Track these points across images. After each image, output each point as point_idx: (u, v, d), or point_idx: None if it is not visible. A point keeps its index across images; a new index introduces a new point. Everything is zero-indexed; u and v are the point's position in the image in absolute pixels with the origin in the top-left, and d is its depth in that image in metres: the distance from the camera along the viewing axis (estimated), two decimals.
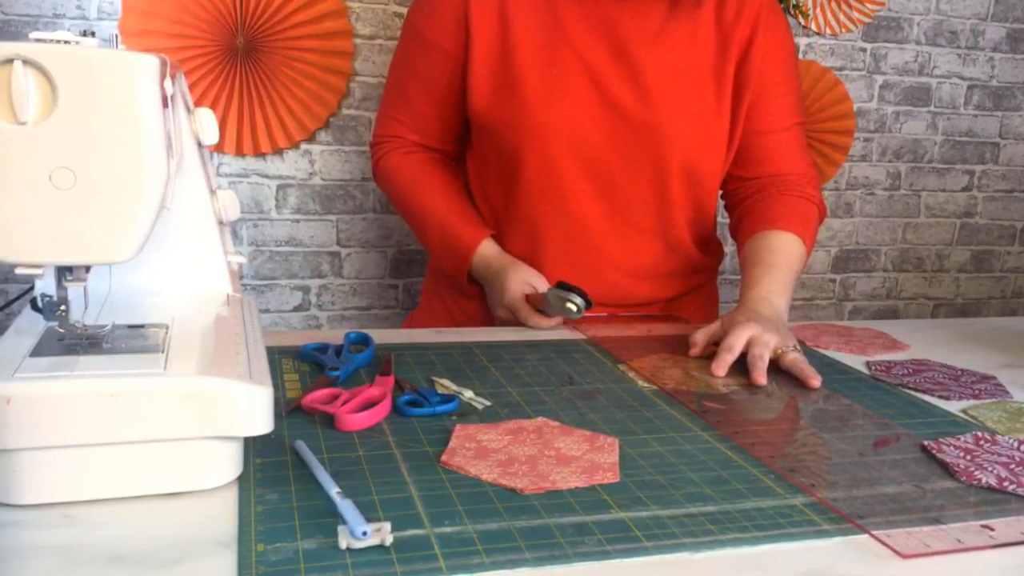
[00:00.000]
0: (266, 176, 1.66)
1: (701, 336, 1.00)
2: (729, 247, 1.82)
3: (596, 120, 1.12)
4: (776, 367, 0.94)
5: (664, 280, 1.22)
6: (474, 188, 1.24)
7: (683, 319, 1.22)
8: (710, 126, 1.16)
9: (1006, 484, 0.68)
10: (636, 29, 1.12)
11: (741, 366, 0.94)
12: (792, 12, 1.88)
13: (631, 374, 0.92)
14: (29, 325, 0.69)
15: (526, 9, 1.12)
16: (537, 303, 1.10)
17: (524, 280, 1.12)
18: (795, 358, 0.94)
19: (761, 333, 0.95)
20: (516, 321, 1.12)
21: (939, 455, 0.73)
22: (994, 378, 0.98)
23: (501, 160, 1.17)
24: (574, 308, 1.05)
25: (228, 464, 0.62)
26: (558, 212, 1.15)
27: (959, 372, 0.99)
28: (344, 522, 0.55)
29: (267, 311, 1.72)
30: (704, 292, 1.30)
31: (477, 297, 1.23)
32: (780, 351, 0.95)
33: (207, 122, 0.84)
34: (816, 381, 0.90)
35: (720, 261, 1.31)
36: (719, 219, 1.31)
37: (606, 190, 1.15)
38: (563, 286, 1.06)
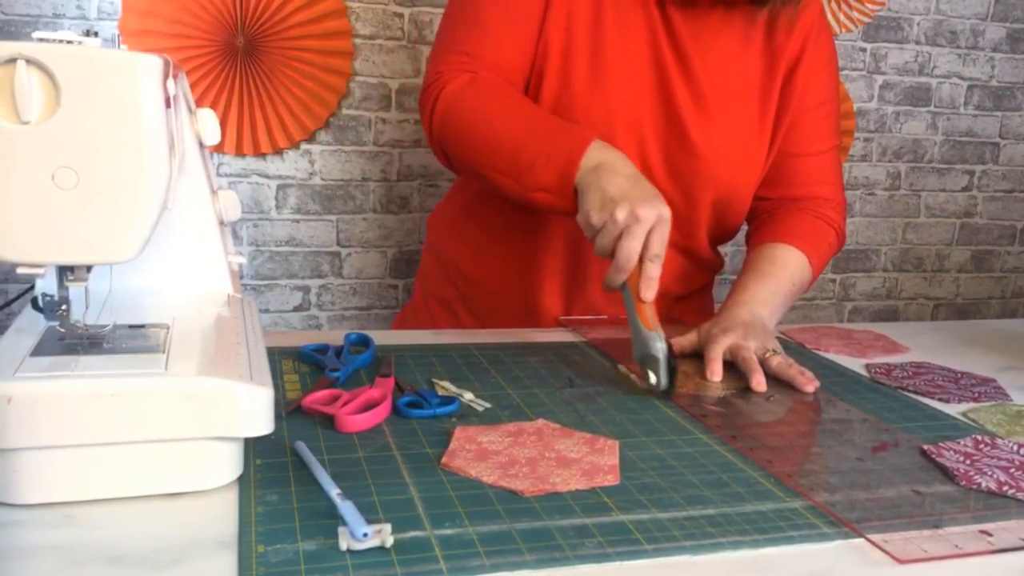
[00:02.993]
0: (266, 176, 1.66)
1: (674, 342, 0.99)
2: (729, 247, 1.82)
3: (653, 116, 1.09)
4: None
5: (664, 280, 1.20)
6: None
7: (683, 322, 1.21)
8: (751, 147, 1.13)
9: (1005, 488, 0.68)
10: (694, 39, 1.09)
11: (740, 370, 0.93)
12: None
13: (631, 376, 0.92)
14: (29, 325, 0.69)
15: None
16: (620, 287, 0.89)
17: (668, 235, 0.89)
18: (780, 363, 0.92)
19: (739, 340, 0.95)
20: (612, 227, 0.87)
21: (938, 459, 0.73)
22: (994, 381, 0.98)
23: None
24: (653, 382, 0.86)
25: (228, 465, 0.62)
26: None
27: (959, 375, 0.99)
28: (344, 523, 0.55)
29: (267, 311, 1.72)
30: (697, 299, 1.27)
31: (473, 296, 1.22)
32: (761, 356, 0.94)
33: (209, 122, 0.84)
34: (811, 386, 0.90)
35: (717, 272, 1.29)
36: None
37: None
38: (669, 349, 0.87)
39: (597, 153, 0.93)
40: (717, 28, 1.10)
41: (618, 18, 1.08)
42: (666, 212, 0.88)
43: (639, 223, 0.86)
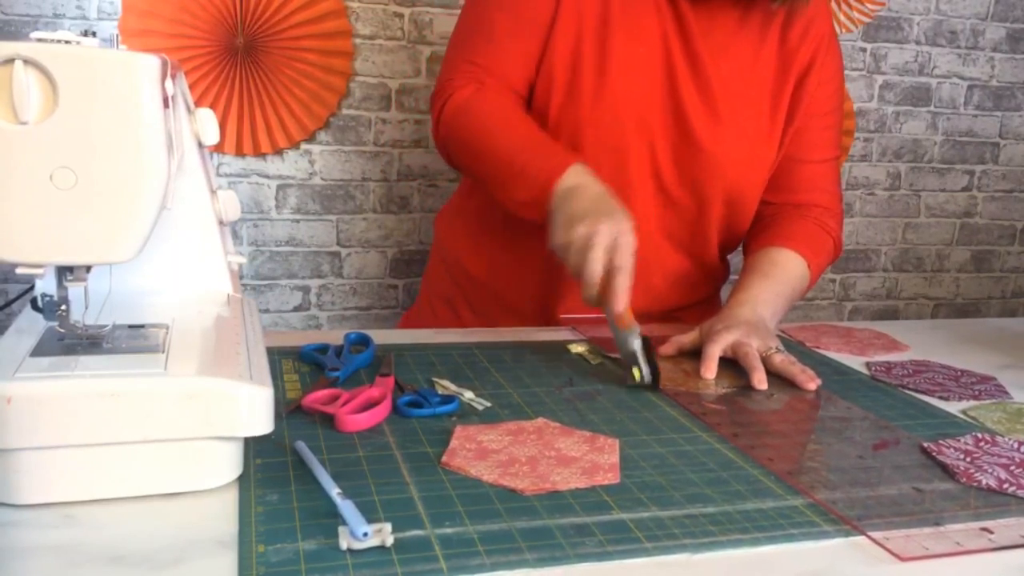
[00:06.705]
0: (266, 176, 1.66)
1: (676, 339, 1.00)
2: (734, 256, 1.82)
3: (662, 117, 1.09)
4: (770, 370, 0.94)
5: (670, 290, 1.20)
6: None
7: (683, 321, 1.21)
8: (761, 149, 1.13)
9: (1006, 486, 0.68)
10: (705, 38, 1.09)
11: (741, 368, 0.93)
12: None
13: (586, 356, 0.92)
14: (29, 325, 0.69)
15: None
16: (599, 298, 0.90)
17: (632, 245, 0.90)
18: (783, 360, 0.93)
19: (741, 337, 0.95)
20: (583, 242, 0.89)
21: (939, 457, 0.73)
22: (994, 379, 0.98)
23: (559, 134, 1.10)
24: (637, 377, 0.87)
25: (228, 464, 0.62)
26: (617, 190, 1.05)
27: (959, 373, 0.99)
28: (345, 523, 0.55)
29: (267, 311, 1.72)
30: (703, 307, 1.27)
31: (476, 297, 1.22)
32: (763, 354, 0.94)
33: (207, 122, 0.84)
34: (813, 384, 0.90)
35: (723, 282, 1.29)
36: None
37: (659, 186, 1.13)
38: (646, 344, 0.89)
39: (572, 177, 0.96)
40: (732, 29, 1.10)
41: (628, 19, 1.08)
42: (626, 226, 0.90)
43: (597, 237, 0.88)
